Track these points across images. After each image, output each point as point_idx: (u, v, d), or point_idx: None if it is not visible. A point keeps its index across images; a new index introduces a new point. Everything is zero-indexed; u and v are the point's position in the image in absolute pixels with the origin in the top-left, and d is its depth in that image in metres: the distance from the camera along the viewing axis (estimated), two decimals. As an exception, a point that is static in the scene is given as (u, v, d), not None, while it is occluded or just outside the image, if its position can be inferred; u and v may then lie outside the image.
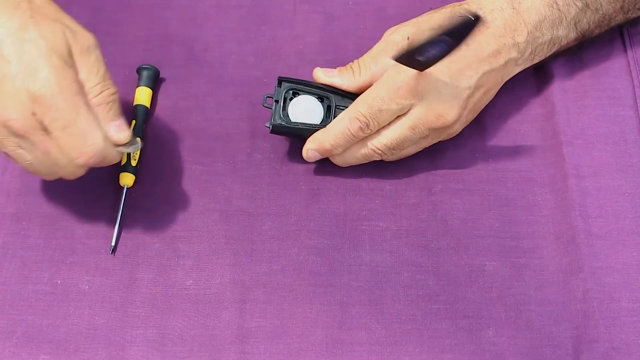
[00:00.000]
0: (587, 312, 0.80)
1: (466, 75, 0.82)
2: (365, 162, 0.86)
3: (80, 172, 0.79)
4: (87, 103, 0.76)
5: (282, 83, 0.84)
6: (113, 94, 0.78)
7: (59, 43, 0.75)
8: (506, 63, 0.84)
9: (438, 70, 0.80)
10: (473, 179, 0.87)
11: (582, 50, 0.92)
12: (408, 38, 0.83)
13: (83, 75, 0.76)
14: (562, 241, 0.83)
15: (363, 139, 0.84)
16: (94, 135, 0.76)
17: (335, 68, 0.85)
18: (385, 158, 0.85)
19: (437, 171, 0.87)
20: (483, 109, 0.87)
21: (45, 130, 0.75)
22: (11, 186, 0.87)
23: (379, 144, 0.83)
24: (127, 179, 0.86)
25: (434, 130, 0.83)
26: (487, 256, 0.83)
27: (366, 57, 0.85)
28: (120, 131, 0.78)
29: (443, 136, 0.85)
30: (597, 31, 0.88)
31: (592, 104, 0.91)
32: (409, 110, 0.82)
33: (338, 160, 0.86)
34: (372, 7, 0.97)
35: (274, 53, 0.95)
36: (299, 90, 0.84)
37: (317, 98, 0.84)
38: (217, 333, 0.80)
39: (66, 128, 0.75)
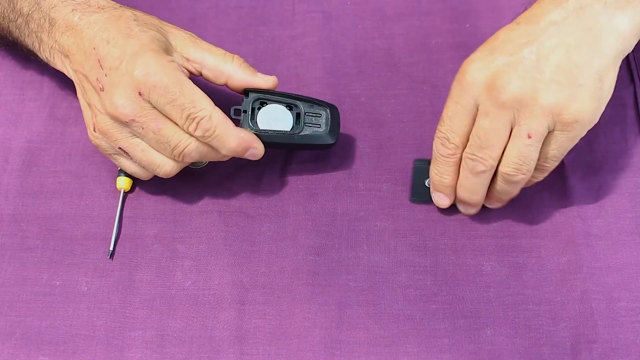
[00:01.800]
0: (586, 312, 0.79)
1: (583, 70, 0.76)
2: (500, 192, 0.81)
3: (190, 157, 0.80)
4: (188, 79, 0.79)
5: (250, 93, 0.83)
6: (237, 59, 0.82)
7: (157, 36, 0.79)
8: (615, 56, 0.77)
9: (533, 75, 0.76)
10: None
11: None
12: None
13: (195, 56, 0.81)
14: (561, 241, 0.83)
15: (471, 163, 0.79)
16: (203, 101, 0.78)
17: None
18: (521, 177, 0.79)
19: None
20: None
21: (154, 109, 0.78)
22: (10, 187, 0.88)
23: (504, 167, 0.78)
24: (124, 183, 0.86)
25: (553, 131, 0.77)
26: (485, 256, 0.83)
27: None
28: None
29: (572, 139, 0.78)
30: None
31: (592, 104, 0.90)
32: (515, 122, 0.77)
33: (465, 195, 0.82)
34: (370, 7, 0.97)
35: (273, 53, 0.95)
36: (267, 100, 0.83)
37: (286, 106, 0.83)
38: (215, 334, 0.80)
39: (174, 101, 0.77)
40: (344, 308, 0.81)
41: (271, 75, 0.83)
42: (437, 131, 0.80)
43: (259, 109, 0.83)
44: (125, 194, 0.87)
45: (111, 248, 0.84)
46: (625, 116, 0.90)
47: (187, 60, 0.81)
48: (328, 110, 0.84)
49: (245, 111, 0.82)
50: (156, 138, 0.78)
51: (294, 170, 0.88)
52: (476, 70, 0.77)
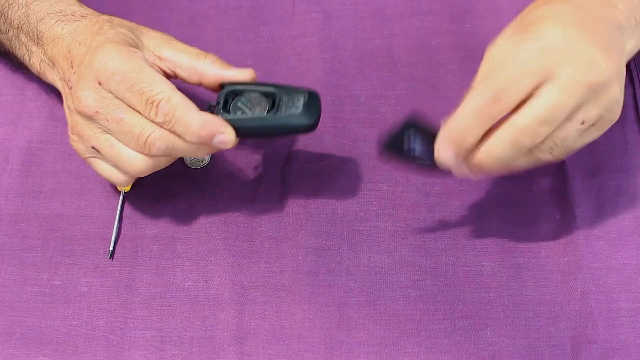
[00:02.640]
0: (586, 312, 0.80)
1: (598, 28, 0.73)
2: (519, 155, 0.73)
3: (156, 146, 0.77)
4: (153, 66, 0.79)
5: (225, 87, 0.81)
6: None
7: (125, 32, 0.79)
8: (619, 26, 0.75)
9: (568, 30, 0.72)
10: (471, 180, 0.86)
11: None
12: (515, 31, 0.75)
13: (168, 55, 0.81)
14: (561, 241, 0.83)
15: (505, 121, 0.72)
16: (161, 84, 0.76)
17: None
18: (544, 147, 0.73)
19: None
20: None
21: (116, 99, 0.77)
22: (10, 187, 0.88)
23: (527, 118, 0.70)
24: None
25: (590, 90, 0.71)
26: (485, 256, 0.83)
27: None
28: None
29: (602, 105, 0.72)
30: None
31: (592, 104, 0.91)
32: (550, 74, 0.71)
33: (484, 157, 0.73)
34: (370, 7, 0.97)
35: (273, 54, 0.95)
36: (242, 91, 0.80)
37: (261, 94, 0.80)
38: (215, 334, 0.80)
39: (132, 86, 0.76)
40: (343, 308, 0.81)
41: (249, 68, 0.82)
42: (484, 85, 0.72)
43: (234, 99, 0.80)
44: (125, 194, 0.87)
45: (111, 248, 0.84)
46: (625, 116, 0.90)
47: (160, 59, 0.81)
48: (306, 94, 0.79)
49: (219, 103, 0.80)
50: (120, 129, 0.77)
51: (294, 170, 0.88)
52: None
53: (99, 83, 0.77)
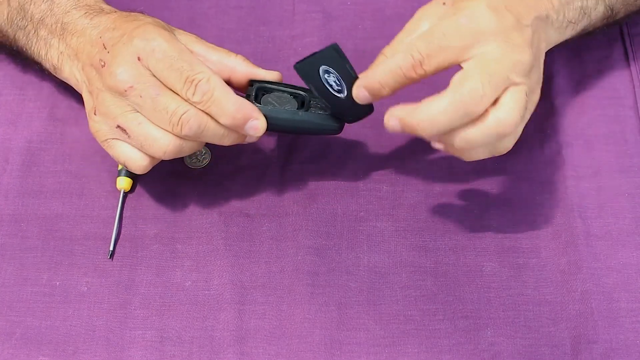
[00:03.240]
0: (586, 312, 0.80)
1: (522, 12, 0.76)
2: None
3: (189, 125, 0.77)
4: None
5: (254, 83, 0.82)
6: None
7: (161, 22, 0.81)
8: (547, 17, 0.79)
9: (497, 6, 0.75)
10: (471, 179, 0.87)
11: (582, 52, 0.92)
12: (444, 3, 0.79)
13: (199, 50, 0.82)
14: (561, 241, 0.83)
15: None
16: (202, 66, 0.77)
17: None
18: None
19: (434, 172, 0.87)
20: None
21: (153, 77, 0.77)
22: (10, 187, 0.88)
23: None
24: (124, 183, 0.86)
25: (514, 70, 0.74)
26: (485, 256, 0.83)
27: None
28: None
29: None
30: (622, 12, 0.86)
31: (592, 104, 0.91)
32: (474, 53, 0.75)
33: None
34: (370, 8, 0.97)
35: (273, 53, 0.95)
36: (272, 89, 0.82)
37: (290, 94, 0.82)
38: (215, 334, 0.80)
39: (172, 65, 0.76)
40: (343, 308, 0.81)
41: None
42: (412, 47, 0.75)
43: (264, 95, 0.82)
44: (125, 194, 0.87)
45: (111, 248, 0.84)
46: (625, 116, 0.90)
47: (191, 53, 0.81)
48: None
49: (249, 95, 0.81)
50: (154, 106, 0.77)
51: (294, 170, 0.88)
52: None
53: (138, 59, 0.77)
